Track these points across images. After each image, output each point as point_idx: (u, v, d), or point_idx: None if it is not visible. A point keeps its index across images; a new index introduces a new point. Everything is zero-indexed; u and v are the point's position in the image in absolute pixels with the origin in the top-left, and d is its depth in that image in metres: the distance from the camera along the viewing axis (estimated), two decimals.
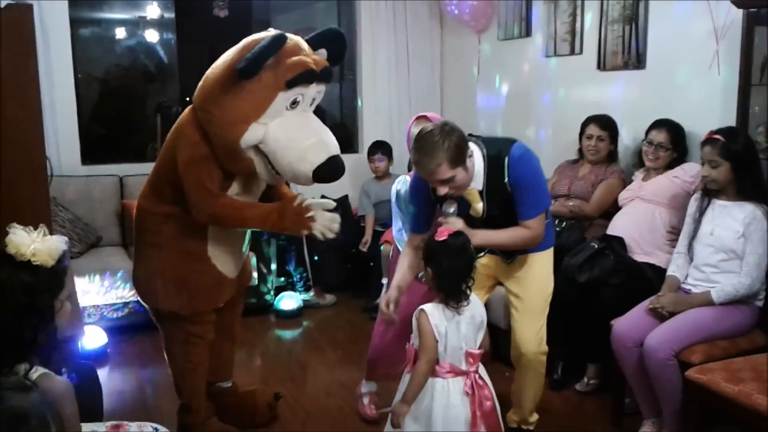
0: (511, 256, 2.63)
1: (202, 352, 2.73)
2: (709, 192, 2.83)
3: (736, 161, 2.70)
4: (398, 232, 3.12)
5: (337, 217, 2.49)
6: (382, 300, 2.49)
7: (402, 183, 3.06)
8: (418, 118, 2.98)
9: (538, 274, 2.66)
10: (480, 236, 2.37)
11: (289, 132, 2.38)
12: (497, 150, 2.45)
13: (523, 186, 2.44)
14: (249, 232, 2.80)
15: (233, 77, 2.32)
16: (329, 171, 2.39)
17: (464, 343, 2.17)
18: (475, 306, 2.23)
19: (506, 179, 2.43)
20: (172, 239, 2.60)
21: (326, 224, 2.45)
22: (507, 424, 2.77)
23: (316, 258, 4.69)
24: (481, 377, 2.22)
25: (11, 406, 1.36)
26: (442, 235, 2.17)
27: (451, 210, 2.42)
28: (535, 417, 2.82)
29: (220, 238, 2.63)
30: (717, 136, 2.72)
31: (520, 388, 2.77)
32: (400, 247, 3.00)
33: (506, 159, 2.43)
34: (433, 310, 2.16)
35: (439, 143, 2.26)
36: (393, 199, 3.11)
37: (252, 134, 2.35)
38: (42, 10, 4.19)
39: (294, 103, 2.39)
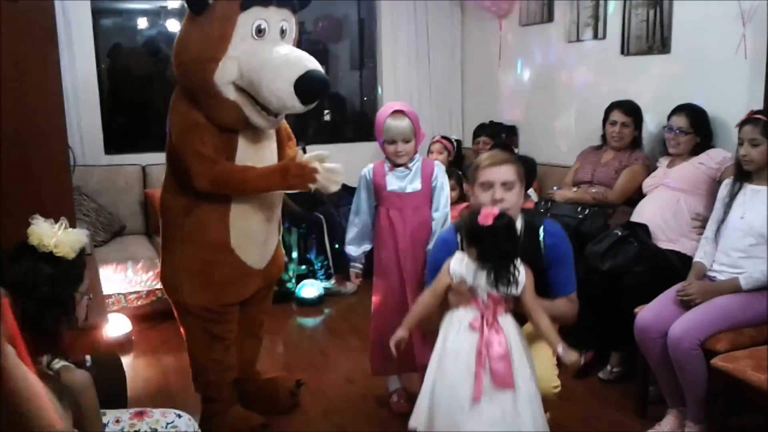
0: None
1: (225, 350, 2.74)
2: (742, 176, 2.78)
3: None
4: (354, 223, 2.98)
5: (337, 166, 2.51)
6: (392, 341, 2.20)
7: (367, 169, 2.93)
8: (395, 112, 2.78)
9: None
10: (539, 302, 2.18)
11: (260, 56, 2.38)
12: (531, 217, 2.37)
13: (563, 260, 2.34)
14: (276, 223, 2.79)
15: (191, 20, 2.39)
16: (310, 81, 2.36)
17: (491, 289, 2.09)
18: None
19: (542, 250, 2.31)
20: (194, 232, 2.60)
21: (328, 175, 2.47)
22: None
23: (337, 246, 4.69)
24: (499, 323, 2.08)
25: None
26: (486, 219, 2.07)
27: None
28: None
29: (242, 229, 2.62)
30: (759, 116, 2.70)
31: None
32: (347, 244, 2.98)
33: (541, 229, 2.33)
34: (457, 258, 2.14)
35: (513, 158, 2.35)
36: (358, 186, 2.95)
37: (224, 70, 2.37)
38: (64, 2, 4.23)
39: (260, 32, 2.40)
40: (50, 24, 2.41)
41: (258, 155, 2.61)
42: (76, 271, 1.75)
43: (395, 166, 2.83)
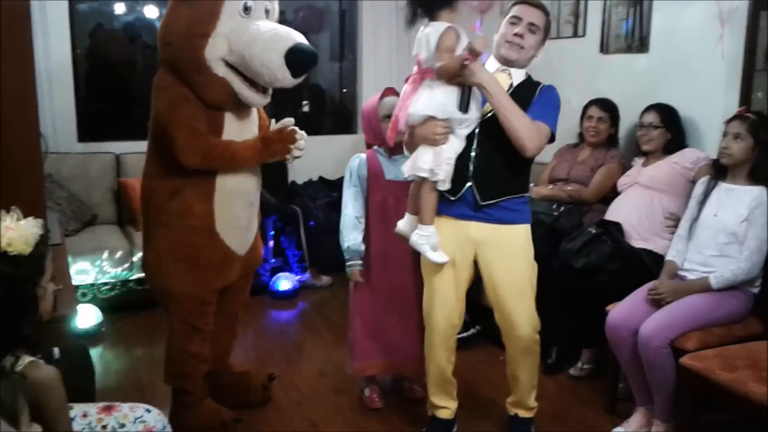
0: (499, 218, 2.50)
1: (202, 342, 2.71)
2: (718, 174, 2.81)
3: (762, 142, 2.68)
4: (349, 218, 2.89)
5: (303, 133, 2.63)
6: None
7: (358, 160, 2.89)
8: (387, 90, 2.89)
9: (524, 248, 2.55)
10: (497, 87, 2.36)
11: (249, 31, 2.43)
12: (538, 80, 2.58)
13: (541, 101, 2.49)
14: (257, 209, 2.78)
15: (177, 0, 2.47)
16: (301, 53, 2.40)
17: None
18: None
19: (534, 98, 2.50)
20: (179, 215, 2.57)
21: (300, 144, 2.60)
22: (507, 412, 2.77)
23: (312, 239, 4.67)
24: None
25: None
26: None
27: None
28: (535, 403, 2.72)
29: (226, 211, 2.61)
30: (749, 114, 2.74)
31: (516, 372, 2.65)
32: (349, 239, 2.86)
33: (541, 85, 2.55)
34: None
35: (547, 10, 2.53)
36: (346, 178, 2.90)
37: (214, 46, 2.41)
38: None
39: (246, 10, 2.45)
40: (24, 8, 2.37)
41: (242, 135, 2.61)
42: (34, 267, 1.67)
43: (393, 152, 2.82)
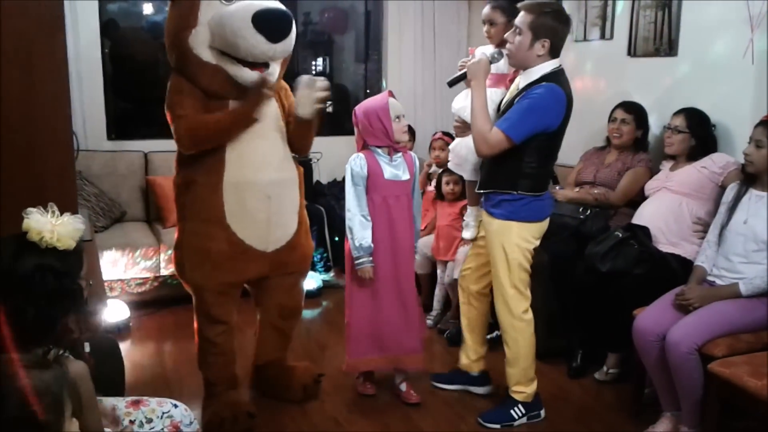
0: (488, 209, 2.82)
1: (221, 334, 2.76)
2: (748, 180, 2.79)
3: None
4: (356, 217, 2.89)
5: (306, 77, 2.65)
6: None
7: (358, 159, 2.89)
8: (390, 93, 2.96)
9: (502, 242, 2.76)
10: (477, 91, 2.71)
11: (222, 12, 2.51)
12: (550, 80, 2.67)
13: (517, 104, 2.66)
14: (289, 207, 2.78)
15: (171, 6, 2.62)
16: (267, 14, 2.46)
17: None
18: None
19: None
20: (191, 208, 2.67)
21: (318, 87, 2.63)
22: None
23: (336, 238, 4.69)
24: None
25: (26, 384, 1.36)
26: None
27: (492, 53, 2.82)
28: (522, 390, 2.88)
29: (236, 203, 2.65)
30: None
31: (506, 347, 2.88)
32: (360, 238, 2.86)
33: (537, 85, 2.66)
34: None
35: (541, 2, 2.65)
36: (348, 179, 2.91)
37: (196, 34, 2.53)
38: None
39: None
40: (58, 9, 2.41)
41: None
42: (78, 260, 1.73)
43: (392, 152, 2.91)
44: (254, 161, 2.66)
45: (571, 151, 4.15)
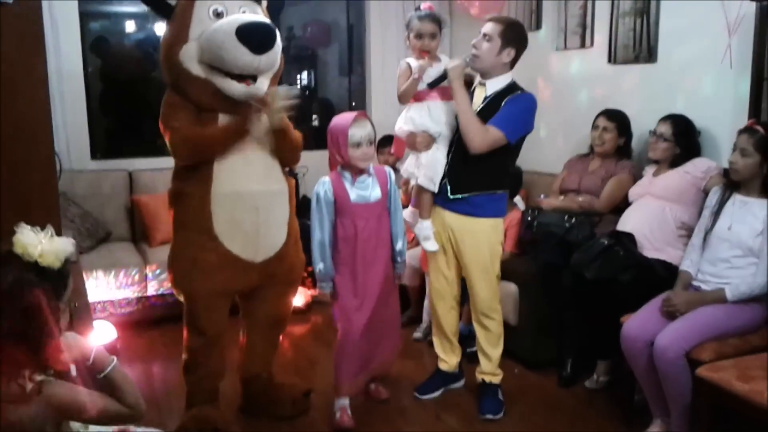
0: (466, 211, 2.99)
1: (203, 346, 2.76)
2: (731, 185, 2.80)
3: None
4: (320, 243, 2.86)
5: (278, 88, 2.65)
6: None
7: (324, 185, 2.83)
8: (358, 116, 2.82)
9: (488, 238, 3.00)
10: (461, 92, 2.86)
11: (210, 28, 2.56)
12: (521, 89, 2.94)
13: (504, 109, 2.85)
14: (278, 218, 2.79)
15: (166, 25, 2.69)
16: (250, 26, 2.51)
17: None
18: None
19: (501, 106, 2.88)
20: (181, 218, 2.71)
21: (276, 100, 2.61)
22: (476, 380, 3.16)
23: None
24: None
25: (10, 421, 1.33)
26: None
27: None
28: (499, 371, 3.13)
29: (224, 214, 2.67)
30: (758, 127, 2.71)
31: (480, 339, 3.12)
32: (319, 262, 2.86)
33: (518, 92, 2.91)
34: None
35: (509, 17, 3.02)
36: (313, 203, 2.85)
37: (186, 50, 2.59)
38: (52, 4, 4.20)
39: (218, 15, 2.60)
40: (38, 29, 2.40)
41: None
42: (60, 282, 1.72)
43: (357, 174, 2.83)
44: (242, 173, 2.69)
45: (554, 159, 4.19)
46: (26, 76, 2.36)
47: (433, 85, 2.97)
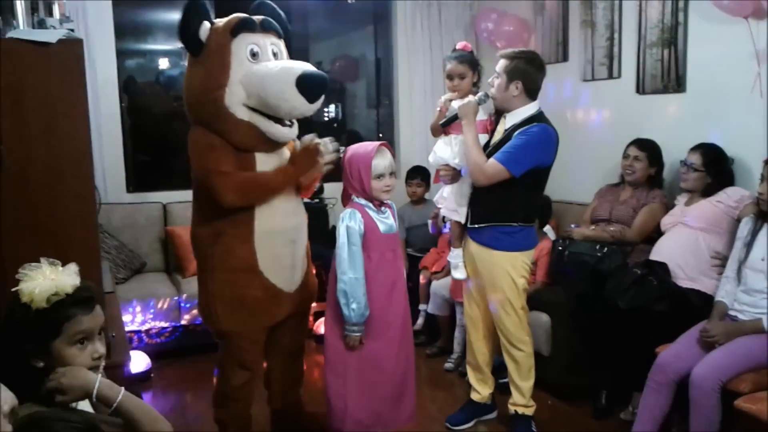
0: (484, 242, 3.05)
1: (248, 381, 2.79)
2: (763, 215, 2.78)
3: None
4: (355, 281, 2.62)
5: (327, 140, 2.76)
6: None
7: (355, 217, 2.67)
8: (381, 146, 2.70)
9: (504, 272, 3.00)
10: (468, 128, 2.94)
11: (260, 73, 2.57)
12: (542, 120, 2.97)
13: (512, 142, 2.89)
14: (304, 248, 2.86)
15: (192, 63, 2.64)
16: (310, 77, 2.52)
17: None
18: None
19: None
20: (222, 258, 2.69)
21: (327, 153, 2.72)
22: (508, 412, 3.17)
23: None
24: None
25: None
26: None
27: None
28: (532, 402, 3.12)
29: (268, 250, 2.71)
30: None
31: (510, 371, 3.12)
32: (346, 296, 2.60)
33: (533, 124, 2.91)
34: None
35: (518, 50, 3.03)
36: (343, 238, 2.64)
37: (231, 93, 2.56)
38: (90, 43, 4.34)
39: (254, 55, 2.60)
40: (80, 68, 2.48)
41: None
42: (46, 321, 1.57)
43: (379, 205, 2.71)
44: (280, 209, 2.73)
45: (585, 188, 4.19)
46: (69, 113, 2.43)
47: (445, 124, 3.11)
